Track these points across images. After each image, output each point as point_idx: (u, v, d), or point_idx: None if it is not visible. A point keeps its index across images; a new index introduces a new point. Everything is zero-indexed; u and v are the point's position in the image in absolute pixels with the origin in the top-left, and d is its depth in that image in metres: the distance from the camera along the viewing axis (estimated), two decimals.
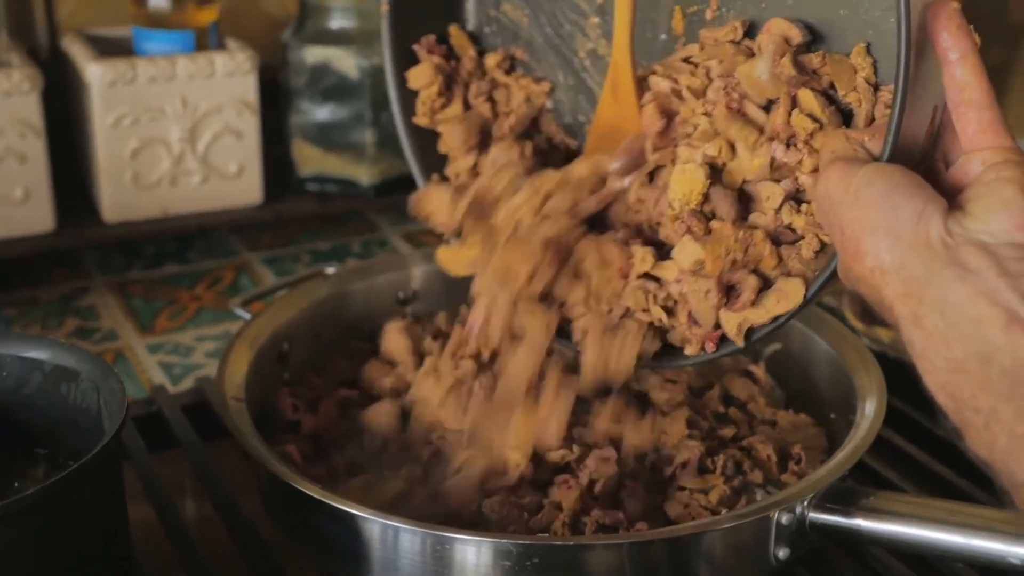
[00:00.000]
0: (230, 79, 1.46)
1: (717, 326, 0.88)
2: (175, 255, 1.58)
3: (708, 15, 0.91)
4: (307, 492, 0.85)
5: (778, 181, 0.85)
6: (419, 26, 1.05)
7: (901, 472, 1.07)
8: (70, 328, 1.39)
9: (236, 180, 1.50)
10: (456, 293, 1.04)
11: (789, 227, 0.85)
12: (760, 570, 0.87)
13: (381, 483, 0.94)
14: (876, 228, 0.69)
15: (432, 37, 1.04)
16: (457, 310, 1.11)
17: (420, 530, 0.83)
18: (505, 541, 0.81)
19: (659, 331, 0.92)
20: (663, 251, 0.91)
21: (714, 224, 0.86)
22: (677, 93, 0.90)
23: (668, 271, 0.90)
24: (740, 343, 0.88)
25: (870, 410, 0.96)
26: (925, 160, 0.76)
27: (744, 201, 0.87)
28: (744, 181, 0.87)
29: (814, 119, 0.82)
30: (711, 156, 0.87)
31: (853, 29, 0.82)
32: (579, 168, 0.96)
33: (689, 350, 0.90)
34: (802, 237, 0.84)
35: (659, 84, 0.92)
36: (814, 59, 0.83)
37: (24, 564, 0.76)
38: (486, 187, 0.97)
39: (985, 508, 0.85)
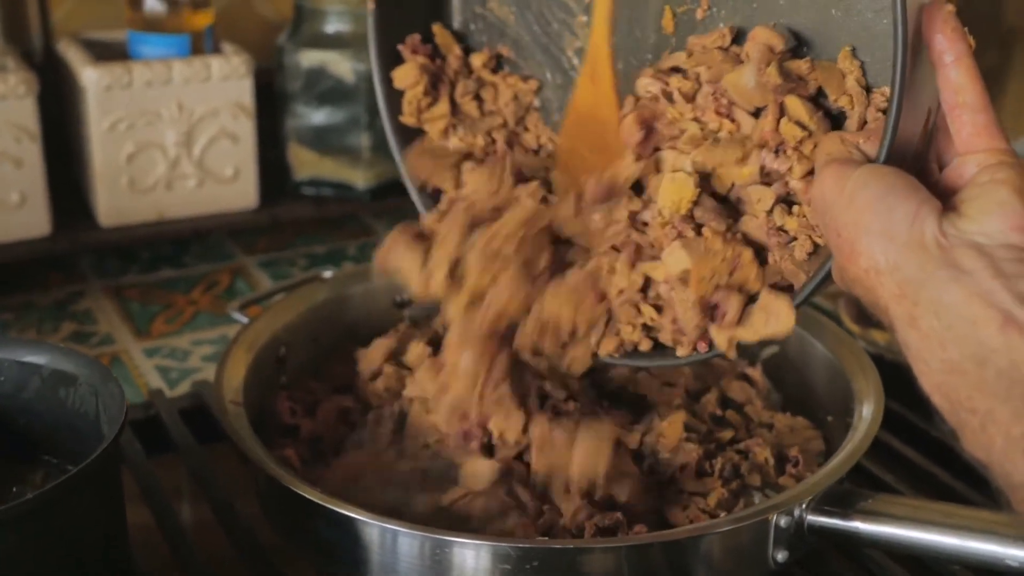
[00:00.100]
0: (226, 83, 1.46)
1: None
2: (171, 259, 1.58)
3: (699, 15, 0.90)
4: (306, 496, 0.86)
5: (769, 185, 0.85)
6: (405, 25, 1.04)
7: (898, 475, 1.07)
8: (66, 332, 1.39)
9: (232, 184, 1.50)
10: None
11: (781, 228, 0.85)
12: (758, 573, 0.88)
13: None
14: (871, 230, 0.69)
15: (417, 37, 1.04)
16: None
17: (419, 533, 0.83)
18: (504, 544, 0.82)
19: (649, 329, 0.92)
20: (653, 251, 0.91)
21: (705, 232, 0.86)
22: (668, 95, 0.90)
23: (657, 271, 0.90)
24: (731, 356, 0.88)
25: (867, 413, 0.97)
26: (919, 162, 0.76)
27: (735, 203, 0.88)
28: (733, 185, 0.87)
29: (803, 127, 0.82)
30: (700, 163, 0.87)
31: (846, 31, 0.82)
32: (551, 211, 0.96)
33: (680, 351, 0.90)
34: (795, 239, 0.84)
35: (647, 86, 0.91)
36: (802, 65, 0.83)
37: (23, 568, 0.76)
38: (451, 246, 0.96)
39: (982, 510, 0.85)
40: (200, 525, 1.03)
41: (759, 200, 0.85)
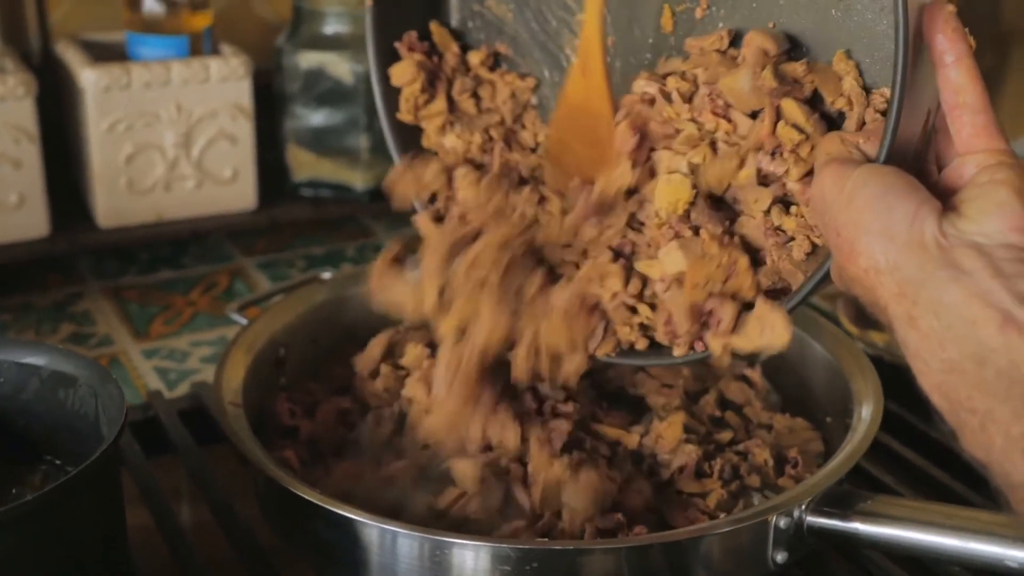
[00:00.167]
0: (224, 84, 1.46)
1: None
2: (169, 260, 1.58)
3: (698, 13, 0.90)
4: (305, 497, 0.85)
5: (766, 186, 0.85)
6: (402, 22, 1.04)
7: (897, 476, 1.07)
8: (65, 334, 1.39)
9: (230, 185, 1.50)
10: None
11: (779, 228, 0.85)
12: (758, 573, 0.88)
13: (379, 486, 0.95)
14: (871, 229, 0.69)
15: (414, 34, 1.04)
16: None
17: (418, 535, 0.83)
18: (504, 545, 0.82)
19: (646, 328, 0.92)
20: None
21: (703, 235, 0.86)
22: (666, 95, 0.90)
23: (653, 269, 0.90)
24: (725, 363, 0.88)
25: (866, 414, 0.97)
26: (918, 162, 0.76)
27: (731, 203, 0.88)
28: (730, 185, 0.87)
29: (799, 130, 0.82)
30: (696, 164, 0.87)
31: (846, 31, 0.82)
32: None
33: (677, 351, 0.90)
34: (792, 239, 0.84)
35: (643, 87, 0.91)
36: (797, 68, 0.83)
37: (23, 570, 0.76)
38: (435, 273, 0.96)
39: (982, 511, 0.85)
40: (199, 526, 1.03)
41: (756, 200, 0.85)
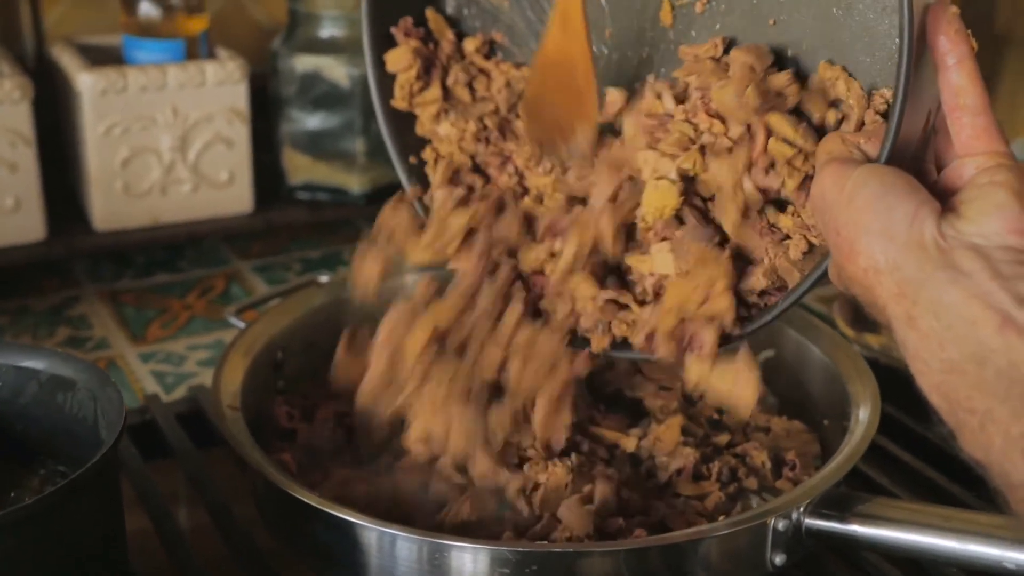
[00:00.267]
0: (220, 88, 1.46)
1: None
2: (166, 264, 1.58)
3: (698, 8, 0.90)
4: (304, 500, 0.85)
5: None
6: (398, 8, 1.04)
7: (894, 478, 1.07)
8: (61, 337, 1.39)
9: (227, 189, 1.50)
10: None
11: (773, 226, 0.85)
12: None
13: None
14: (870, 229, 0.70)
15: (409, 20, 1.03)
16: None
17: (417, 537, 0.83)
18: (503, 548, 0.82)
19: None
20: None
21: (692, 250, 0.87)
22: (657, 93, 0.91)
23: (644, 264, 0.90)
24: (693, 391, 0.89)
25: (864, 416, 0.97)
26: (917, 162, 0.76)
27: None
28: (719, 188, 0.87)
29: (790, 143, 0.82)
30: (685, 170, 0.86)
31: (847, 30, 0.82)
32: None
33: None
34: (788, 237, 0.84)
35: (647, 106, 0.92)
36: (782, 79, 0.83)
37: (23, 572, 0.76)
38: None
39: (980, 513, 0.85)
40: (197, 529, 1.03)
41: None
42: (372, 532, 0.84)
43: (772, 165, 0.83)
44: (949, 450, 1.10)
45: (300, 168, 1.58)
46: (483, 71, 1.04)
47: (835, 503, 0.87)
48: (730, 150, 0.85)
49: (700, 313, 0.86)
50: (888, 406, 1.00)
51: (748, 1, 0.87)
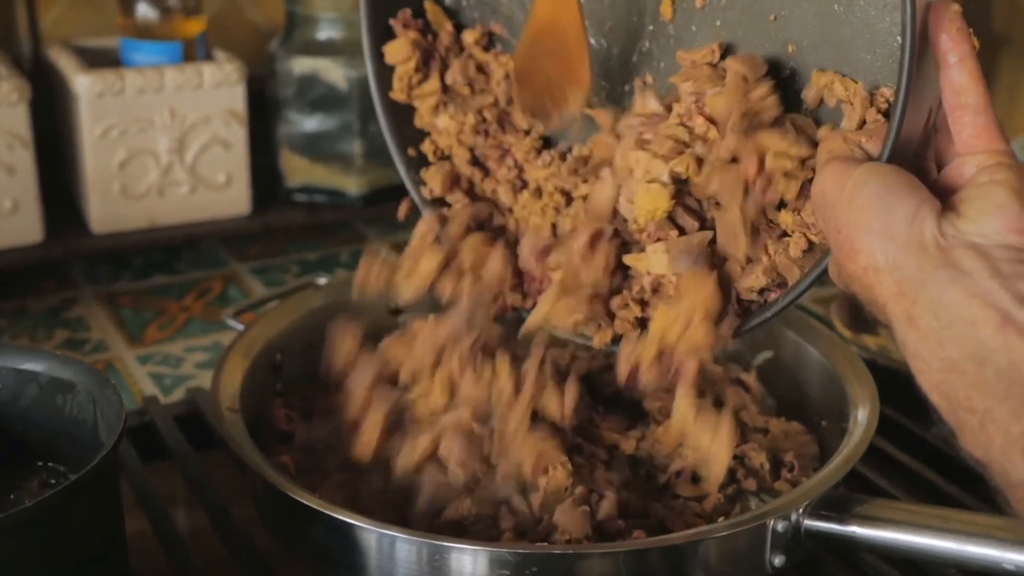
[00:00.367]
0: (218, 90, 1.46)
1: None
2: (163, 266, 1.58)
3: (698, 3, 0.90)
4: (304, 502, 0.85)
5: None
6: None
7: (892, 480, 1.07)
8: (59, 339, 1.39)
9: (224, 190, 1.50)
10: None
11: (771, 222, 0.85)
12: None
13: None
14: (871, 228, 0.70)
15: (408, 11, 1.03)
16: None
17: (416, 539, 0.83)
18: (503, 550, 0.82)
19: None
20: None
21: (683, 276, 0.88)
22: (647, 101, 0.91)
23: (641, 263, 0.90)
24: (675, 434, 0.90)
25: (862, 418, 0.97)
26: (917, 160, 0.76)
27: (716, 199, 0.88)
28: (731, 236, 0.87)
29: (786, 155, 0.82)
30: (678, 173, 0.86)
31: (848, 26, 0.81)
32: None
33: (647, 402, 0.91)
34: (787, 234, 0.85)
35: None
36: (762, 91, 0.84)
37: (23, 574, 0.76)
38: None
39: (978, 514, 0.85)
40: (196, 531, 1.03)
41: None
42: (371, 534, 0.84)
43: (770, 182, 0.83)
44: (947, 451, 1.10)
45: (298, 170, 1.58)
46: (481, 69, 1.04)
47: (834, 504, 0.87)
48: (732, 160, 0.85)
49: (682, 343, 0.86)
50: (886, 408, 1.00)
51: None
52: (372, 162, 1.55)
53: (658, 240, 0.88)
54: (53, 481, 0.90)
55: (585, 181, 0.96)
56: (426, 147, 1.04)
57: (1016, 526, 0.79)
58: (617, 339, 0.93)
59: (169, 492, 1.06)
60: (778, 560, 0.87)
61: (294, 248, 1.65)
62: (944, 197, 0.70)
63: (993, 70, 1.82)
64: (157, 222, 1.48)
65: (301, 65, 1.53)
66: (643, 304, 0.92)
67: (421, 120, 1.04)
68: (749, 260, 0.86)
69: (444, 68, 1.03)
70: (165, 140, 1.45)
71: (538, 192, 1.00)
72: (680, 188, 0.87)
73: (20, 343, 1.35)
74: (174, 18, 1.47)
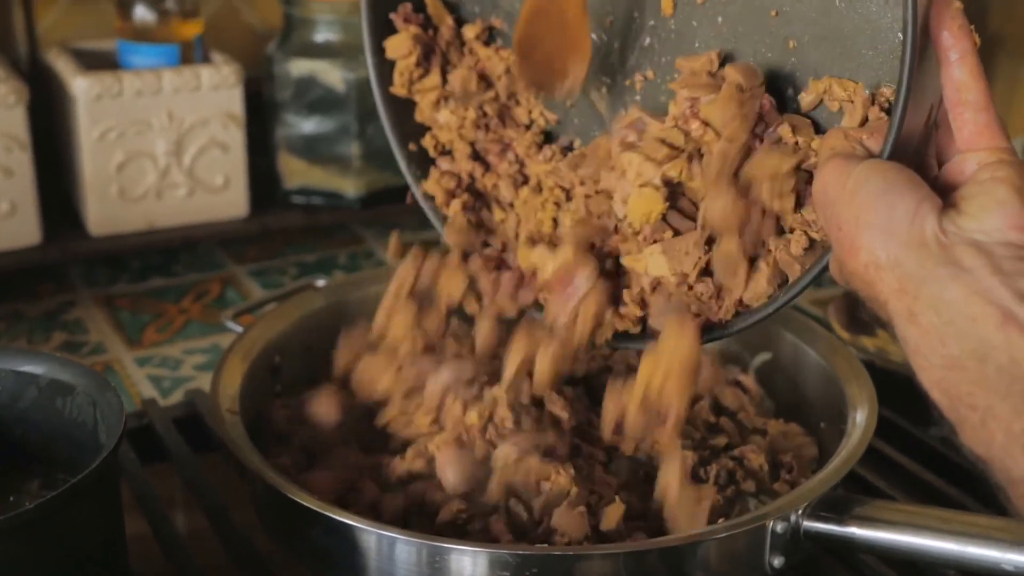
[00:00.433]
0: (216, 92, 1.46)
1: (696, 316, 0.89)
2: (161, 268, 1.58)
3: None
4: (305, 504, 0.86)
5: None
6: None
7: (890, 481, 1.07)
8: (57, 342, 1.39)
9: (222, 193, 1.50)
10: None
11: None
12: None
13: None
14: (872, 225, 0.70)
15: (408, 6, 1.03)
16: None
17: (416, 540, 0.83)
18: (503, 551, 0.82)
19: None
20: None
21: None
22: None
23: (639, 264, 0.90)
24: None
25: (861, 419, 0.97)
26: (918, 156, 0.76)
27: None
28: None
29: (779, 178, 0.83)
30: (670, 178, 0.86)
31: (849, 22, 0.81)
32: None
33: (624, 446, 0.91)
34: (790, 231, 0.85)
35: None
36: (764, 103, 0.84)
37: None
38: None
39: (978, 515, 0.85)
40: (195, 533, 1.03)
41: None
42: (371, 535, 0.84)
43: (765, 214, 0.84)
44: (946, 453, 1.10)
45: (295, 172, 1.58)
46: (483, 78, 1.04)
47: (833, 505, 0.87)
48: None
49: (664, 392, 0.87)
50: (884, 409, 1.00)
51: None
52: (370, 164, 1.56)
53: (655, 242, 0.89)
54: (53, 483, 0.90)
55: (583, 183, 0.96)
56: (427, 142, 1.04)
57: (1015, 527, 0.79)
58: (618, 336, 0.93)
59: (168, 494, 1.06)
60: (777, 561, 0.87)
61: (292, 250, 1.65)
62: (945, 194, 0.70)
63: (989, 71, 1.81)
64: (155, 224, 1.48)
65: (298, 67, 1.53)
66: (643, 304, 0.92)
67: (422, 115, 1.04)
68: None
69: (445, 63, 1.03)
70: (163, 142, 1.45)
71: (538, 187, 1.00)
72: (674, 190, 0.87)
73: (18, 346, 1.35)
74: (171, 21, 1.47)
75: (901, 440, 1.13)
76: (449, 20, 1.04)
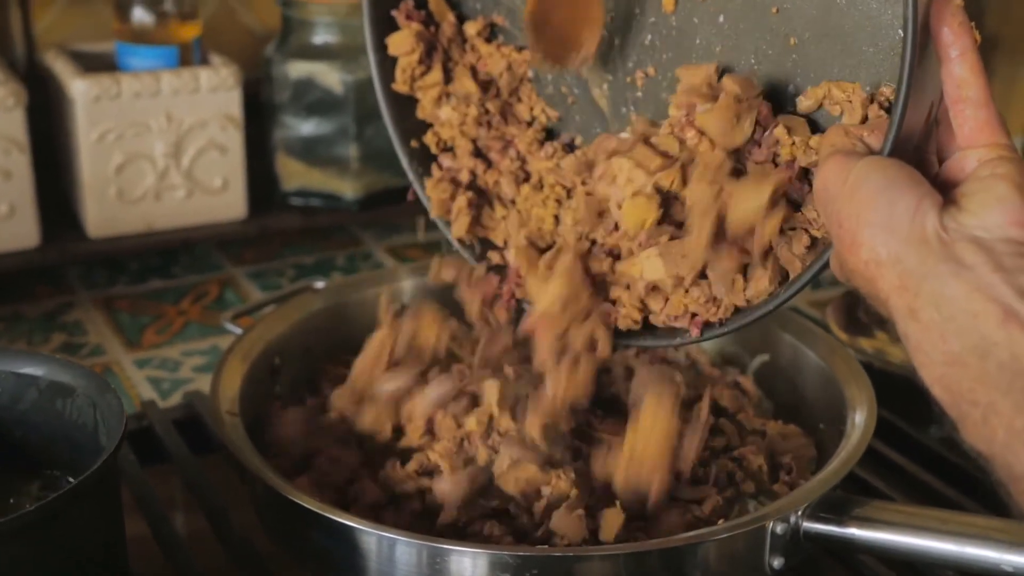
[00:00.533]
0: (214, 94, 1.46)
1: (695, 315, 0.89)
2: (160, 270, 1.58)
3: None
4: (305, 505, 0.86)
5: None
6: None
7: (889, 482, 1.07)
8: (56, 344, 1.39)
9: (220, 195, 1.50)
10: (447, 306, 1.05)
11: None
12: None
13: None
14: (872, 222, 0.70)
15: (410, 2, 1.03)
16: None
17: (416, 542, 0.83)
18: (503, 552, 0.82)
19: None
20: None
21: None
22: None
23: (635, 268, 0.90)
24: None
25: (860, 420, 0.97)
26: (919, 153, 0.76)
27: None
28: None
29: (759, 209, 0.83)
30: (662, 186, 0.86)
31: (849, 19, 0.81)
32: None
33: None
34: (792, 229, 0.85)
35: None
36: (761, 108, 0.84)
37: None
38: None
39: (977, 516, 0.86)
40: (195, 535, 1.03)
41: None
42: (371, 536, 0.84)
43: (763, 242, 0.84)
44: (945, 454, 1.11)
45: (294, 174, 1.58)
46: (485, 88, 1.04)
47: (833, 506, 0.87)
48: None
49: (646, 463, 0.90)
50: (883, 410, 1.00)
51: None
52: (368, 166, 1.55)
53: (651, 246, 0.89)
54: (54, 485, 0.90)
55: (584, 182, 0.96)
56: (428, 139, 1.04)
57: (1014, 528, 0.79)
58: (618, 335, 0.94)
59: (168, 496, 1.07)
60: (777, 562, 0.87)
61: (290, 252, 1.65)
62: (945, 191, 0.70)
63: (988, 70, 1.82)
64: (153, 226, 1.48)
65: (297, 69, 1.53)
66: (643, 305, 0.92)
67: (424, 112, 1.04)
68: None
69: (447, 59, 1.03)
70: (161, 144, 1.45)
71: (539, 185, 1.00)
72: (667, 196, 0.87)
73: (18, 347, 1.35)
74: (170, 23, 1.47)
75: (900, 441, 1.13)
76: (451, 17, 1.04)
